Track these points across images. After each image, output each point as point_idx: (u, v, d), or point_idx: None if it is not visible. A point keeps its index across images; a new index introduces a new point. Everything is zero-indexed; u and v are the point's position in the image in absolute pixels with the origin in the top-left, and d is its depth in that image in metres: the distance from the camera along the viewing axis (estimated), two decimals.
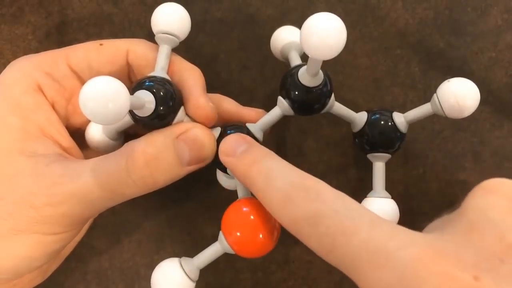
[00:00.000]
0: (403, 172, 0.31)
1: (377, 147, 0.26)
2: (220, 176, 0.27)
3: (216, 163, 0.24)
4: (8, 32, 0.32)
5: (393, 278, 0.15)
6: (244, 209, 0.22)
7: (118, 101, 0.18)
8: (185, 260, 0.23)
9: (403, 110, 0.26)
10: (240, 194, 0.23)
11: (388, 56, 0.32)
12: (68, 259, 0.28)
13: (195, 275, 0.23)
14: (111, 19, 0.32)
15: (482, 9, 0.32)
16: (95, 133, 0.24)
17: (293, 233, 0.19)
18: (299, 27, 0.20)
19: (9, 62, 0.24)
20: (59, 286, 0.30)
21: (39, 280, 0.26)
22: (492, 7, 0.31)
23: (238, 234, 0.21)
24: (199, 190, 0.31)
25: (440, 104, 0.24)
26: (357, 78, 0.32)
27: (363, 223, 0.17)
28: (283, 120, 0.25)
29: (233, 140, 0.22)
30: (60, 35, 0.32)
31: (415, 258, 0.15)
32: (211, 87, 0.25)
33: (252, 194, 0.22)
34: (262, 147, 0.22)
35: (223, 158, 0.22)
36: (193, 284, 0.22)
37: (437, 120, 0.31)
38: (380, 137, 0.25)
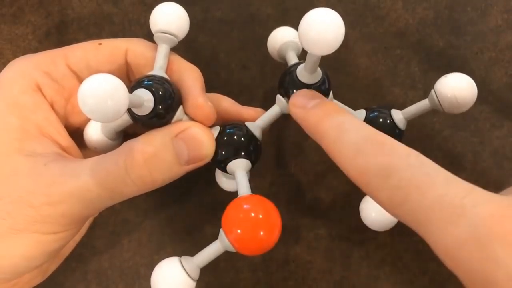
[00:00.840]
0: None
1: None
2: (220, 177, 0.27)
3: (215, 163, 0.24)
4: (8, 32, 0.32)
5: (466, 233, 0.15)
6: (245, 206, 0.21)
7: (117, 98, 0.17)
8: (186, 259, 0.22)
9: (403, 110, 0.26)
10: (240, 192, 0.22)
11: (388, 56, 0.32)
12: (68, 259, 0.28)
13: (196, 274, 0.22)
14: (111, 19, 0.32)
15: (482, 9, 0.32)
16: (94, 133, 0.24)
17: (361, 185, 0.18)
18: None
19: (9, 62, 0.24)
20: (59, 286, 0.30)
21: (38, 280, 0.26)
22: (492, 7, 0.31)
23: (239, 231, 0.21)
24: (199, 190, 0.31)
25: (438, 99, 0.23)
26: (357, 78, 0.31)
27: (439, 178, 0.17)
28: (283, 119, 0.25)
29: (305, 93, 0.22)
30: (60, 35, 0.32)
31: (492, 214, 0.15)
32: (211, 87, 0.25)
33: (252, 192, 0.22)
34: (335, 103, 0.21)
35: (293, 109, 0.22)
36: (194, 283, 0.22)
37: (437, 120, 0.31)
38: None
